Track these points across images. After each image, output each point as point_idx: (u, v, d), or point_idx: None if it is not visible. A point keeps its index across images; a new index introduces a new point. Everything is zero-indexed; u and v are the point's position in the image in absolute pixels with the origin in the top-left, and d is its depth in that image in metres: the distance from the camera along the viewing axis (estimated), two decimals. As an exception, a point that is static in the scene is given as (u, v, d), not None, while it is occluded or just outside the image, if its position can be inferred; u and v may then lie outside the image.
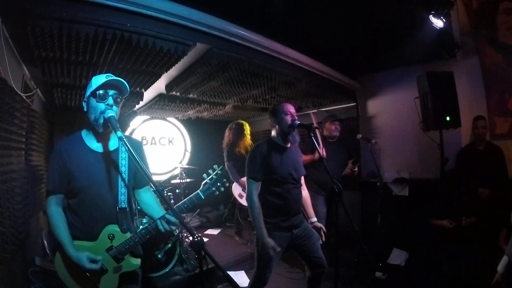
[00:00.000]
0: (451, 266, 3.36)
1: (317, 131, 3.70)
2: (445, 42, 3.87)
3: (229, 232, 5.87)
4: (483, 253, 3.16)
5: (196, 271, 3.88)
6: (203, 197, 1.97)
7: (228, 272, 4.00)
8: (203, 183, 1.99)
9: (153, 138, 6.79)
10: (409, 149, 4.72)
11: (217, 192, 1.99)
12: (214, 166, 2.04)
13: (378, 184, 4.04)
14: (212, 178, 1.99)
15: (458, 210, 3.51)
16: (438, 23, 3.44)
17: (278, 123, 2.64)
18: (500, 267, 2.40)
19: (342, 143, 4.10)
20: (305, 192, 2.91)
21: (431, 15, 3.40)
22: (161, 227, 1.81)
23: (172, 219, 1.79)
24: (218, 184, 1.99)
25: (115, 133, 1.62)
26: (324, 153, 3.35)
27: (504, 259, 2.39)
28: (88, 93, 1.78)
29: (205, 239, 5.31)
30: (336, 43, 3.94)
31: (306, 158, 3.55)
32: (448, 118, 3.58)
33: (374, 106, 5.22)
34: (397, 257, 4.04)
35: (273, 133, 2.74)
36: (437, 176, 4.09)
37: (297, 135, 2.67)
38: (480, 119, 3.75)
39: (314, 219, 2.89)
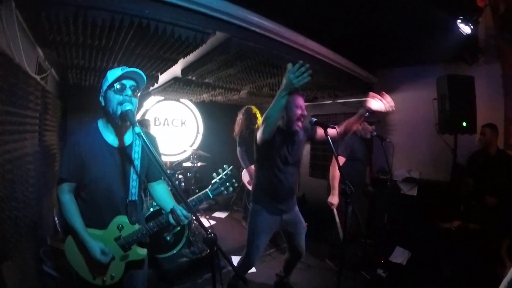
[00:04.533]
0: (452, 271, 3.35)
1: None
2: (470, 46, 3.73)
3: (236, 216, 5.96)
4: (484, 261, 3.15)
5: (203, 254, 3.99)
6: (211, 197, 2.01)
7: (233, 257, 4.15)
8: (212, 182, 2.01)
9: (166, 119, 6.81)
10: (421, 150, 4.66)
11: (226, 192, 2.02)
12: (225, 166, 2.06)
13: (388, 183, 4.01)
14: (221, 178, 2.02)
15: (465, 214, 3.49)
16: (465, 29, 3.32)
17: (286, 113, 2.68)
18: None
19: (366, 141, 4.09)
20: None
21: (459, 21, 3.28)
22: (172, 220, 1.87)
23: (183, 213, 1.85)
24: (227, 184, 2.02)
25: (133, 128, 1.61)
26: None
27: (508, 278, 2.31)
28: (104, 87, 1.78)
29: (212, 222, 5.40)
30: (356, 35, 3.82)
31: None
32: (464, 124, 3.51)
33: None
34: (400, 255, 4.04)
35: (281, 123, 2.78)
36: (447, 179, 4.05)
37: (301, 129, 2.75)
38: (487, 127, 3.63)
39: None
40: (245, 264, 2.92)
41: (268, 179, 2.78)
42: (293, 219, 2.94)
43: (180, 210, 1.85)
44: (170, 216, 1.88)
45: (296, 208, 3.01)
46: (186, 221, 1.87)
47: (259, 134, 2.53)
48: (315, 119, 2.57)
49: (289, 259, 3.25)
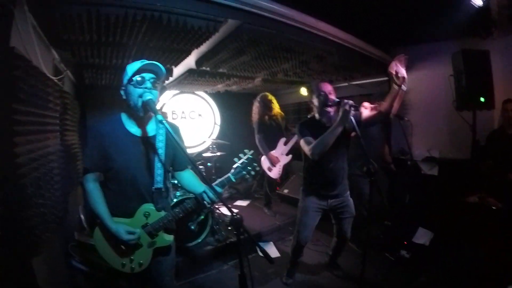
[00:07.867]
0: (475, 251, 3.30)
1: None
2: (483, 19, 3.60)
3: (258, 204, 5.98)
4: (508, 240, 3.08)
5: (227, 242, 4.07)
6: (234, 180, 2.03)
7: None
8: (234, 166, 2.04)
9: (183, 112, 6.89)
10: (440, 128, 4.58)
11: (248, 176, 2.04)
12: (245, 150, 2.08)
13: (409, 162, 3.96)
14: (243, 162, 2.04)
15: (487, 190, 3.42)
16: (477, 1, 3.22)
17: (319, 100, 2.85)
18: None
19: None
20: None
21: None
22: (207, 199, 1.95)
23: (209, 197, 1.93)
24: (249, 168, 2.04)
25: (155, 116, 1.67)
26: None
27: None
28: (125, 81, 1.83)
29: (235, 211, 5.45)
30: (369, 14, 3.74)
31: None
32: (482, 99, 3.43)
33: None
34: (422, 236, 4.00)
35: (316, 114, 2.93)
36: (467, 157, 3.97)
37: (335, 114, 2.78)
38: (509, 102, 3.56)
39: None
40: (296, 243, 3.14)
41: (313, 170, 2.92)
42: (340, 204, 3.01)
43: (210, 193, 1.92)
44: (205, 196, 1.94)
45: (347, 193, 3.05)
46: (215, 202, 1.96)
47: (310, 152, 2.66)
48: (332, 100, 2.61)
49: (335, 244, 3.38)
